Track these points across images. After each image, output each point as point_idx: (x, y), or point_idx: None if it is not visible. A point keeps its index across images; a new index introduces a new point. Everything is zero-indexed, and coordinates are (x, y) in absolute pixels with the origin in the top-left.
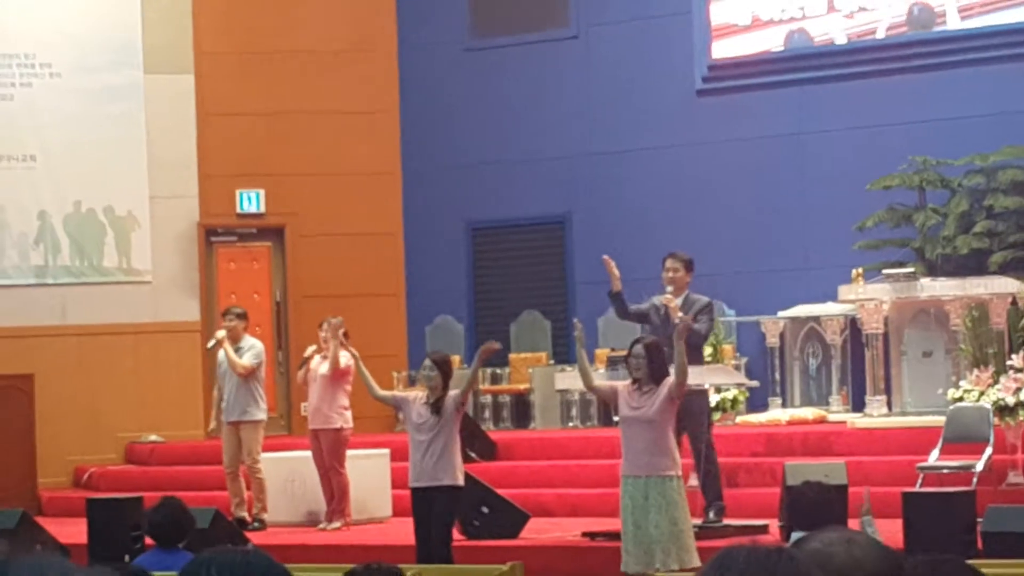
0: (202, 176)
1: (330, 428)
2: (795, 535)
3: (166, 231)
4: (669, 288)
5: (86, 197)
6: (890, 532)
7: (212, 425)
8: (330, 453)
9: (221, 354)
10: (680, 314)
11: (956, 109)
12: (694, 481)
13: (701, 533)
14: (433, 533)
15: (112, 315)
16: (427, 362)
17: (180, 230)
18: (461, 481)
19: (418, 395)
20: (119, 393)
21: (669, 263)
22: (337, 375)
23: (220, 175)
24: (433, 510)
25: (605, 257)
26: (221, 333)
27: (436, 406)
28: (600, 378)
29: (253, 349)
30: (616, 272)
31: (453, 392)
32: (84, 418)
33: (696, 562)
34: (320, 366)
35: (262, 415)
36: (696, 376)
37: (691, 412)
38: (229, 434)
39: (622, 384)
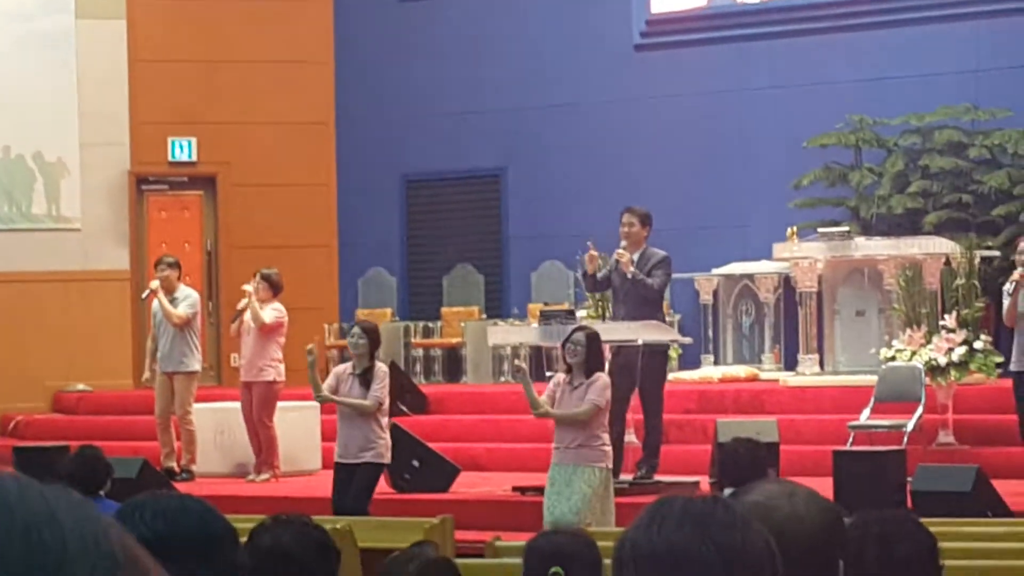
0: (133, 123)
1: (262, 381)
2: (727, 492)
3: (96, 179)
4: (624, 243)
5: (15, 143)
6: (820, 490)
7: (146, 375)
8: (259, 406)
9: (156, 304)
10: (632, 269)
11: (893, 69)
12: (631, 437)
13: (631, 489)
14: (349, 506)
15: (41, 262)
16: (356, 329)
17: (110, 178)
18: (386, 459)
19: (346, 367)
20: (47, 341)
21: (625, 218)
22: (266, 331)
23: (152, 123)
24: (353, 482)
25: (592, 253)
26: (155, 283)
27: (363, 377)
28: (533, 333)
29: (188, 299)
30: (596, 260)
31: (382, 367)
32: (11, 366)
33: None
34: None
35: (197, 366)
36: (630, 332)
37: (648, 371)
38: (163, 384)
39: (555, 380)
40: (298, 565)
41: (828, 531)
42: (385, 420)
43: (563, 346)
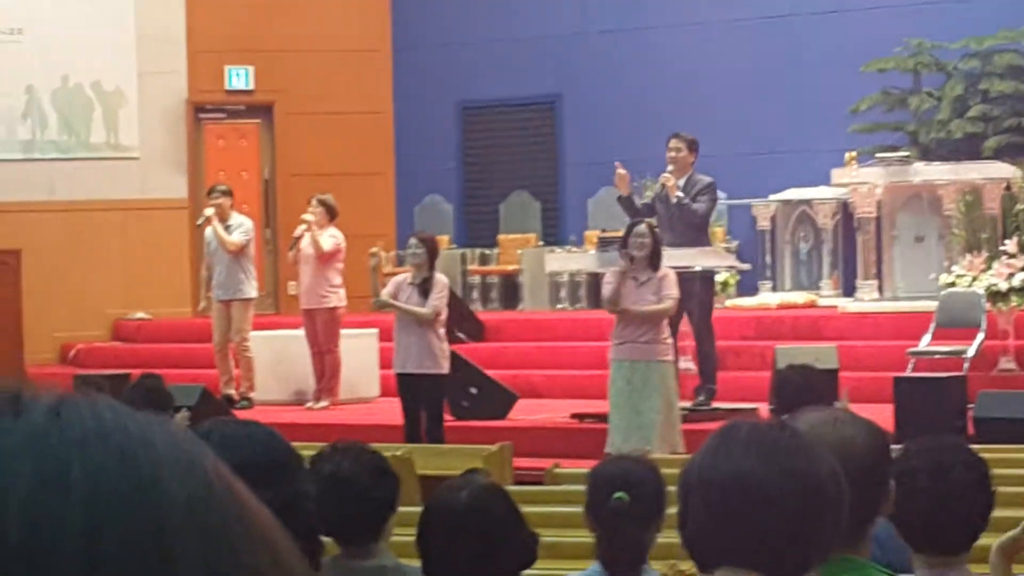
0: (191, 52)
1: (324, 307)
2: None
3: (154, 107)
4: (670, 168)
5: (74, 72)
6: (881, 417)
7: (202, 304)
8: (325, 332)
9: (209, 232)
10: (679, 193)
11: None
12: (684, 363)
13: (690, 415)
14: (425, 423)
15: (100, 191)
16: (412, 240)
17: (168, 106)
18: (446, 368)
19: (405, 277)
20: (106, 269)
21: (672, 143)
22: (325, 258)
23: (209, 51)
24: (419, 398)
25: (620, 172)
26: (209, 211)
27: (423, 287)
28: (590, 260)
29: (243, 227)
30: (626, 178)
31: (441, 277)
32: (71, 294)
33: (682, 447)
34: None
35: (253, 292)
36: (687, 259)
37: (696, 296)
38: (220, 312)
39: (614, 271)
40: (358, 491)
41: (876, 452)
42: (443, 331)
43: (625, 240)
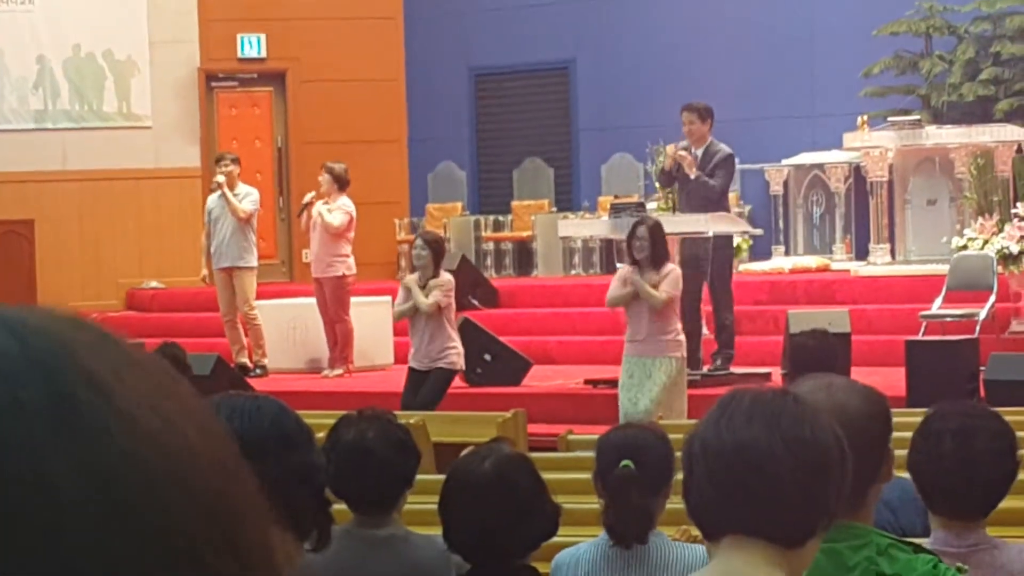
0: (202, 20)
1: (332, 276)
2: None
3: (166, 76)
4: (685, 141)
5: (85, 41)
6: (893, 380)
7: (203, 273)
8: (333, 301)
9: (210, 201)
10: (695, 171)
11: None
12: (704, 329)
13: (704, 380)
14: (418, 405)
15: (113, 160)
16: (418, 240)
17: (180, 75)
18: (458, 366)
19: (414, 277)
20: (120, 239)
21: (684, 116)
22: (337, 233)
23: (221, 19)
24: (423, 387)
25: (681, 153)
26: (221, 177)
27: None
28: (604, 226)
29: (250, 196)
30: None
31: (446, 275)
32: (85, 264)
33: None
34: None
35: (255, 262)
36: (699, 224)
37: (715, 263)
38: (223, 282)
39: (622, 274)
40: (379, 464)
41: (873, 418)
42: (454, 330)
43: (628, 242)
